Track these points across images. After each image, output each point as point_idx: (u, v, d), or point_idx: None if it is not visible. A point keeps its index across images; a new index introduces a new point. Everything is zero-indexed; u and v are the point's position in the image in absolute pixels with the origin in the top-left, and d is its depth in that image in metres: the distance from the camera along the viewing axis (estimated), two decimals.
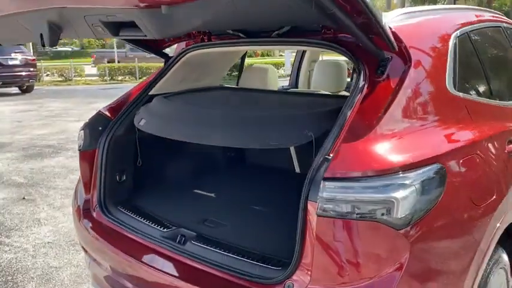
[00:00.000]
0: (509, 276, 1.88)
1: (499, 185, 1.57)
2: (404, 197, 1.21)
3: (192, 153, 2.39)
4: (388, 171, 1.23)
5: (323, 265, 1.26)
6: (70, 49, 36.99)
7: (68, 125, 8.50)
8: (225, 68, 2.61)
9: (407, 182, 1.23)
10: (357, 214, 1.21)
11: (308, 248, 1.27)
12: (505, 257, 1.75)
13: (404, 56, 1.51)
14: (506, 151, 1.72)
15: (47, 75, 19.31)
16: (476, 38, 2.01)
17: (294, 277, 1.31)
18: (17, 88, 14.95)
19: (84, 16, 1.16)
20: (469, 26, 1.99)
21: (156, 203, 2.03)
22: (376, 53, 1.46)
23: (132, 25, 1.06)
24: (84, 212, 2.01)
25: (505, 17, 2.71)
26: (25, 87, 14.86)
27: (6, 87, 14.35)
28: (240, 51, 2.65)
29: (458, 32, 1.84)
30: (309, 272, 1.28)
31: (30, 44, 25.71)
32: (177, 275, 1.55)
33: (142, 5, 0.96)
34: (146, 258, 1.66)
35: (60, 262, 3.13)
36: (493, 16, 2.51)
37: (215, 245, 1.60)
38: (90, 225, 1.93)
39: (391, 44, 1.38)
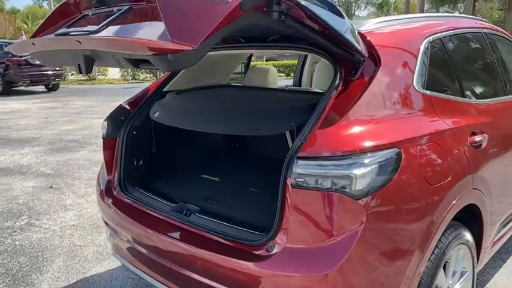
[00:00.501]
0: (474, 254, 2.12)
1: (456, 169, 1.82)
2: (363, 174, 1.49)
3: (200, 143, 2.72)
4: (351, 152, 1.52)
5: (296, 228, 1.55)
6: None
7: (91, 121, 8.95)
8: (230, 68, 2.92)
9: (366, 161, 1.51)
10: (324, 186, 1.50)
11: (286, 216, 1.57)
12: (467, 234, 2.00)
13: (375, 60, 1.78)
14: (468, 142, 1.97)
15: (72, 74, 20.00)
16: (450, 43, 2.27)
17: (275, 239, 1.60)
18: (43, 86, 15.57)
19: (112, 54, 1.49)
20: (444, 33, 2.25)
21: (167, 184, 2.36)
22: (350, 58, 1.74)
23: (148, 61, 1.37)
24: (106, 191, 2.34)
25: (489, 24, 2.95)
26: (51, 86, 15.47)
27: (33, 85, 14.99)
28: (243, 54, 2.96)
29: (431, 38, 2.11)
30: (286, 234, 1.57)
31: None
32: (182, 240, 1.86)
33: (151, 53, 1.29)
34: (157, 227, 1.98)
35: (84, 242, 3.49)
36: (476, 23, 2.76)
37: (214, 216, 1.91)
38: (111, 201, 2.26)
39: (359, 52, 1.66)
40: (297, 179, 1.52)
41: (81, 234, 3.62)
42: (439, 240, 1.76)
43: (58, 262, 3.16)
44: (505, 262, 3.07)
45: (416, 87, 1.88)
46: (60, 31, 1.75)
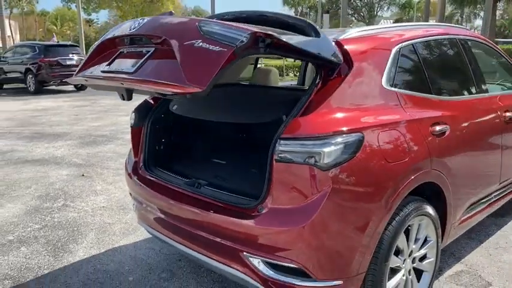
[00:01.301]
0: (438, 226, 2.52)
1: (414, 152, 2.22)
2: (330, 151, 1.93)
3: (212, 132, 3.20)
4: (322, 135, 1.96)
5: (279, 193, 2.00)
6: None
7: (118, 118, 9.56)
8: (239, 69, 3.36)
9: (333, 142, 1.95)
10: (299, 160, 1.94)
11: (271, 184, 2.02)
12: (429, 208, 2.40)
13: (349, 64, 2.21)
14: (429, 131, 2.38)
15: None
16: (422, 48, 2.68)
17: (263, 203, 2.05)
18: (72, 86, 16.33)
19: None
20: (417, 40, 2.66)
21: (183, 165, 2.83)
22: (327, 63, 2.16)
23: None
24: (133, 170, 2.84)
25: (469, 31, 3.33)
26: (80, 85, 16.17)
27: (63, 85, 15.76)
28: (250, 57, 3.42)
29: (403, 44, 2.52)
30: (271, 199, 2.02)
31: (83, 44, 27.53)
32: (193, 206, 2.33)
33: (175, 94, 1.85)
34: (173, 197, 2.45)
35: (112, 220, 4.01)
36: (453, 31, 3.15)
37: (219, 188, 2.37)
38: (137, 178, 2.75)
39: (330, 62, 2.10)
40: (279, 155, 1.97)
41: (110, 214, 4.14)
42: (399, 208, 2.18)
43: (91, 235, 3.68)
44: (482, 243, 3.44)
45: (384, 85, 2.30)
46: (105, 68, 2.28)
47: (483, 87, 3.09)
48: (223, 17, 2.63)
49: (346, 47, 2.25)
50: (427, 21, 23.10)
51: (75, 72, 2.51)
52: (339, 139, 1.97)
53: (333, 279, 2.03)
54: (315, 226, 1.94)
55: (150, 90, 2.06)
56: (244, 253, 2.10)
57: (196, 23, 1.99)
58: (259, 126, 2.84)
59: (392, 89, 2.34)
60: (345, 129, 2.01)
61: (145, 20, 2.23)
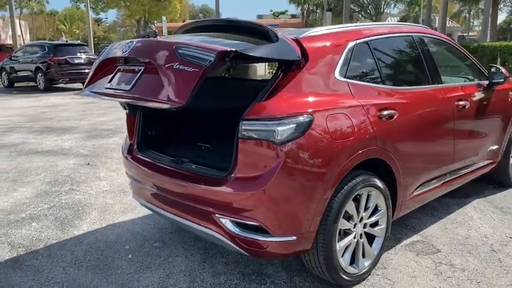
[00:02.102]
0: (387, 197, 2.93)
1: (360, 132, 2.61)
2: (283, 129, 2.34)
3: (199, 121, 3.63)
4: (277, 116, 2.38)
5: (243, 165, 2.42)
6: None
7: (122, 114, 9.90)
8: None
9: (286, 122, 2.37)
10: (258, 137, 2.37)
11: (237, 158, 2.45)
12: (377, 181, 2.80)
13: (306, 58, 2.63)
14: (376, 115, 2.77)
15: None
16: (375, 44, 3.07)
17: (232, 174, 2.48)
18: (81, 84, 16.87)
19: None
20: (372, 37, 3.07)
21: (171, 148, 3.26)
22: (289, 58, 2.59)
23: None
24: (128, 152, 3.28)
25: (427, 29, 3.74)
26: None
27: (72, 83, 16.30)
28: None
29: (357, 41, 2.93)
30: (237, 169, 2.45)
31: (92, 43, 28.08)
32: (176, 178, 2.77)
33: (164, 108, 2.36)
34: (161, 172, 2.89)
35: (113, 201, 4.47)
36: (410, 29, 3.55)
37: (198, 164, 2.81)
38: (131, 158, 3.20)
39: (286, 60, 2.52)
40: (243, 133, 2.40)
41: (111, 196, 4.60)
42: (347, 179, 2.59)
43: (94, 214, 4.14)
44: (441, 219, 3.85)
45: (337, 77, 2.72)
46: (108, 85, 2.83)
47: (437, 79, 3.47)
48: (201, 24, 3.11)
49: (304, 44, 2.67)
50: (430, 18, 23.34)
51: (84, 86, 3.09)
52: (291, 120, 2.39)
53: (288, 235, 2.46)
54: (271, 190, 2.37)
55: (143, 105, 2.61)
56: (216, 215, 2.53)
57: (174, 47, 2.45)
58: (239, 114, 3.28)
59: (344, 79, 2.75)
60: (297, 112, 2.43)
61: (134, 44, 2.71)
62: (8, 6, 26.55)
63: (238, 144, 2.44)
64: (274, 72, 2.71)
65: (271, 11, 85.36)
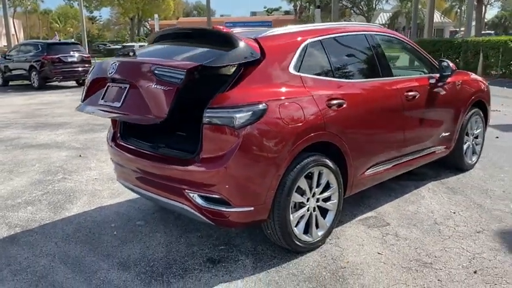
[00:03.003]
0: (338, 175, 3.35)
1: (309, 117, 3.01)
2: (240, 116, 2.75)
3: (178, 112, 4.04)
4: (236, 105, 2.79)
5: (207, 146, 2.84)
6: (120, 46, 40.04)
7: None
8: None
9: (243, 109, 2.78)
10: (219, 122, 2.79)
11: (202, 141, 2.86)
12: (328, 161, 3.22)
13: (264, 55, 3.04)
14: (325, 104, 3.19)
15: None
16: (328, 42, 3.49)
17: (199, 155, 2.90)
18: (74, 82, 17.22)
19: None
20: (325, 36, 3.48)
21: (151, 135, 3.67)
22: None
23: None
24: (112, 139, 3.69)
25: (380, 28, 4.16)
26: (81, 81, 17.01)
27: (65, 81, 16.64)
28: None
29: (311, 40, 3.35)
30: (203, 151, 2.86)
31: (86, 41, 28.34)
32: (153, 161, 3.18)
33: (148, 123, 2.84)
34: (140, 156, 3.30)
35: (102, 187, 4.88)
36: (363, 28, 3.97)
37: (172, 148, 3.22)
38: (115, 145, 3.60)
39: (246, 59, 2.93)
40: (207, 119, 2.81)
41: (100, 184, 5.01)
42: (299, 158, 3.01)
43: (84, 198, 4.55)
44: (396, 198, 4.28)
45: (291, 71, 3.13)
46: (101, 102, 3.32)
47: (387, 72, 3.89)
48: (171, 32, 3.64)
49: (262, 43, 3.09)
50: (416, 14, 23.76)
51: (81, 99, 3.65)
52: (248, 108, 2.81)
53: (246, 206, 2.88)
54: (231, 168, 2.79)
55: (132, 121, 3.19)
56: (186, 191, 2.95)
57: (150, 68, 2.92)
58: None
59: (298, 73, 3.17)
60: (253, 101, 2.85)
61: (117, 66, 3.18)
62: (1, 5, 26.77)
63: (203, 129, 2.85)
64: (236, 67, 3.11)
65: (265, 8, 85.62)
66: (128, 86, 3.12)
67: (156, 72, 2.87)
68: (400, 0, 60.55)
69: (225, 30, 3.37)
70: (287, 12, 75.29)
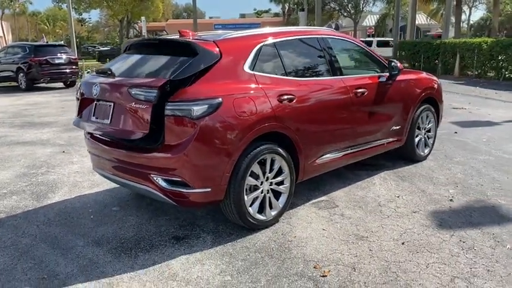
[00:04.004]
0: (290, 161, 3.77)
1: (260, 110, 3.43)
2: (198, 108, 3.17)
3: None
4: (194, 99, 3.21)
5: (169, 135, 3.23)
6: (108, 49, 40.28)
7: None
8: None
9: (200, 103, 3.20)
10: (179, 114, 3.20)
11: (165, 130, 3.27)
12: (279, 149, 3.63)
13: (221, 55, 3.47)
14: (276, 99, 3.62)
15: (88, 72, 21.96)
16: (281, 44, 3.91)
17: (162, 143, 3.30)
18: (62, 83, 17.50)
19: None
20: (279, 39, 3.92)
21: None
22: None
23: None
24: (88, 134, 4.09)
25: (331, 31, 4.61)
26: (68, 82, 17.32)
27: (53, 82, 16.90)
28: None
29: (265, 42, 3.78)
30: (165, 139, 3.27)
31: (74, 44, 28.51)
32: (122, 150, 3.58)
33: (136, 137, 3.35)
34: (113, 146, 3.70)
35: (82, 179, 5.26)
36: (316, 32, 4.41)
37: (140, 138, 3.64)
38: (90, 137, 4.00)
39: (206, 65, 3.35)
40: (168, 112, 3.22)
41: (81, 176, 5.39)
42: (252, 146, 3.42)
43: (65, 188, 4.93)
44: (349, 185, 4.72)
45: (245, 69, 3.56)
46: (92, 119, 3.78)
47: (337, 71, 4.33)
48: (141, 42, 4.15)
49: (219, 45, 3.51)
50: (398, 16, 24.38)
51: (75, 115, 4.15)
52: (205, 101, 3.23)
53: (204, 187, 3.30)
54: (189, 154, 3.21)
55: (120, 138, 3.59)
56: (152, 175, 3.36)
57: (127, 89, 3.37)
58: None
59: (252, 72, 3.59)
60: (209, 96, 3.27)
61: (99, 88, 3.66)
62: None
63: (165, 120, 3.26)
64: None
65: (254, 10, 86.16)
66: (112, 104, 3.55)
67: (133, 92, 3.33)
68: (388, 2, 61.54)
69: (190, 35, 3.81)
70: (276, 14, 75.93)
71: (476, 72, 16.93)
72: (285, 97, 3.70)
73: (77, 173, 5.52)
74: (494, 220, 3.74)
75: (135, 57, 3.96)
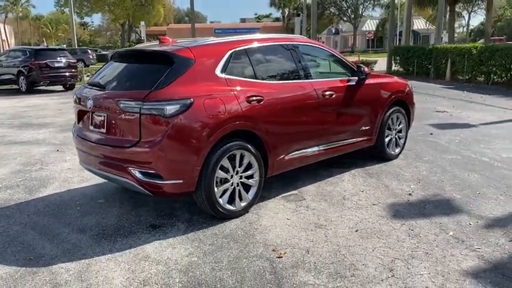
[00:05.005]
0: (259, 157, 4.12)
1: (230, 110, 3.76)
2: (170, 108, 3.52)
3: None
4: (167, 99, 3.56)
5: (145, 133, 3.58)
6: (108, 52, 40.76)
7: None
8: None
9: (173, 103, 3.55)
10: (154, 113, 3.55)
11: (141, 128, 3.63)
12: (249, 146, 3.99)
13: (195, 60, 3.83)
14: (245, 100, 3.97)
15: (87, 75, 22.36)
16: (252, 50, 4.27)
17: (139, 140, 3.66)
18: (61, 86, 17.90)
19: None
20: (250, 45, 4.28)
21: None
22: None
23: None
24: (76, 132, 4.44)
25: (303, 38, 4.96)
26: (68, 85, 17.72)
27: (52, 85, 17.32)
28: None
29: (236, 49, 4.14)
30: (142, 136, 3.63)
31: (76, 47, 28.95)
32: (105, 146, 3.94)
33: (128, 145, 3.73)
34: (95, 142, 4.07)
35: (73, 175, 5.62)
36: (287, 39, 4.78)
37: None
38: (78, 135, 4.36)
39: (180, 67, 3.72)
40: (143, 111, 3.58)
41: (72, 172, 5.75)
42: (222, 142, 3.78)
43: (56, 183, 5.29)
44: (320, 181, 5.06)
45: (216, 73, 3.92)
46: (91, 127, 4.13)
47: (307, 75, 4.68)
48: (124, 52, 4.53)
49: (193, 52, 3.88)
50: (393, 22, 24.77)
51: (74, 125, 4.55)
52: (177, 101, 3.59)
53: (176, 179, 3.65)
54: (163, 149, 3.56)
55: (116, 144, 3.89)
56: (129, 168, 3.72)
57: (116, 102, 3.73)
58: None
59: (223, 75, 3.96)
60: (182, 96, 3.63)
61: (92, 101, 4.02)
62: None
63: (141, 119, 3.62)
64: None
65: (255, 15, 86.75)
66: (105, 115, 3.92)
67: (121, 105, 3.71)
68: (387, 7, 62.06)
69: (170, 42, 4.19)
70: (277, 19, 76.55)
71: (466, 77, 17.27)
72: (254, 98, 4.06)
73: (69, 169, 5.88)
74: (445, 211, 4.08)
75: (121, 66, 4.30)
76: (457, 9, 54.43)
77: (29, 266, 3.27)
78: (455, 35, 70.88)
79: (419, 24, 61.83)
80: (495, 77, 15.83)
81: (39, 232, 3.88)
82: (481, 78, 16.74)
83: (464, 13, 65.15)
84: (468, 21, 72.11)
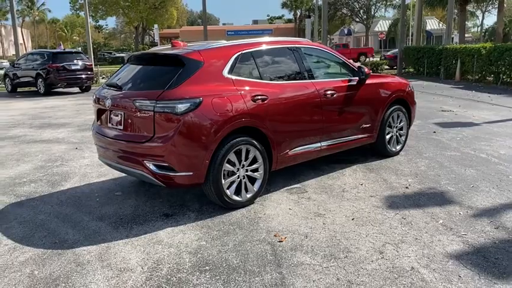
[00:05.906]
0: (263, 151, 4.44)
1: (236, 108, 4.10)
2: (181, 106, 3.86)
3: None
4: (178, 98, 3.90)
5: (158, 129, 3.94)
6: (125, 55, 41.51)
7: None
8: None
9: (184, 101, 3.89)
10: (166, 111, 3.90)
11: (155, 126, 3.98)
12: (255, 142, 4.31)
13: (204, 62, 4.17)
14: (251, 99, 4.30)
15: (103, 77, 22.94)
16: (257, 53, 4.60)
17: (154, 136, 4.01)
18: (77, 88, 18.46)
19: None
20: (254, 48, 4.61)
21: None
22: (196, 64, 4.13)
23: None
24: (95, 129, 4.82)
25: (306, 41, 5.27)
26: (84, 87, 18.29)
27: (69, 87, 17.87)
28: None
29: (242, 51, 4.47)
30: (156, 132, 3.98)
31: (91, 50, 29.65)
32: (122, 141, 4.30)
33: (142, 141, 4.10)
34: (113, 138, 4.43)
35: (92, 171, 6.01)
36: (289, 42, 5.09)
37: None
38: (97, 132, 4.74)
39: (190, 68, 4.06)
40: (157, 109, 3.93)
41: (91, 168, 6.14)
42: (229, 138, 4.10)
43: (76, 178, 5.68)
44: (319, 177, 5.36)
45: (224, 74, 4.25)
46: (109, 125, 4.49)
47: (309, 76, 4.99)
48: (139, 55, 4.86)
49: (202, 54, 4.23)
50: (403, 23, 24.87)
51: (93, 123, 4.91)
52: (188, 100, 3.93)
53: (187, 171, 4.00)
54: (175, 143, 3.91)
55: (132, 140, 4.24)
56: (144, 161, 4.07)
57: (132, 101, 4.09)
58: None
59: (230, 76, 4.29)
60: (192, 95, 3.97)
61: (110, 101, 4.37)
62: (10, 16, 28.09)
63: (155, 116, 3.97)
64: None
65: (267, 16, 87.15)
66: (122, 113, 4.27)
67: (137, 104, 4.06)
68: (399, 8, 61.90)
69: (181, 45, 4.55)
70: (289, 21, 76.76)
71: (476, 77, 17.37)
72: (259, 97, 4.38)
73: (87, 165, 6.28)
74: (438, 203, 4.35)
75: (136, 68, 4.65)
76: (470, 9, 54.24)
77: (54, 248, 3.64)
78: (470, 35, 70.37)
79: (433, 24, 61.56)
80: (504, 77, 15.91)
81: (62, 220, 4.25)
82: (491, 78, 16.83)
83: (478, 12, 64.63)
84: (482, 20, 71.44)
